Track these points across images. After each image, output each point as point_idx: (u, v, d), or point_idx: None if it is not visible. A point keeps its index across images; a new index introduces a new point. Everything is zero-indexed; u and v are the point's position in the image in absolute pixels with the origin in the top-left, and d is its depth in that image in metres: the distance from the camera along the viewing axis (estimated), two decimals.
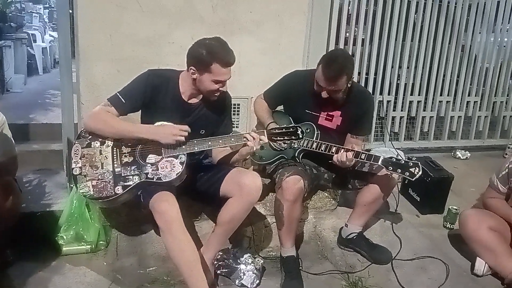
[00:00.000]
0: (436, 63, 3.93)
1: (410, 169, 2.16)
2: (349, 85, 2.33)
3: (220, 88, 2.08)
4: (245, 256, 2.33)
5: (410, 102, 3.97)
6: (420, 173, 2.15)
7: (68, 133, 2.72)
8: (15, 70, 5.49)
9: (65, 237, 2.33)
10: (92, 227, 2.38)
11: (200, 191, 2.28)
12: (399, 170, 2.17)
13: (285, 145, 2.27)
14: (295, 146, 2.43)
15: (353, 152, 2.21)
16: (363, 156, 2.22)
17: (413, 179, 2.17)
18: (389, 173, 2.27)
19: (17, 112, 3.94)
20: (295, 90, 2.50)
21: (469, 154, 4.11)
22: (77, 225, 2.36)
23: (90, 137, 2.13)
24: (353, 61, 2.36)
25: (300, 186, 2.25)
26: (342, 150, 2.24)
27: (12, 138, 2.36)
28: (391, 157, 2.21)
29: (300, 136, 2.07)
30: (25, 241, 2.32)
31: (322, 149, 2.33)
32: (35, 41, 6.88)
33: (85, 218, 2.38)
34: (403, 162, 2.18)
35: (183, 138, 2.02)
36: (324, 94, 2.32)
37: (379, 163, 2.19)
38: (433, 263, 2.53)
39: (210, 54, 1.99)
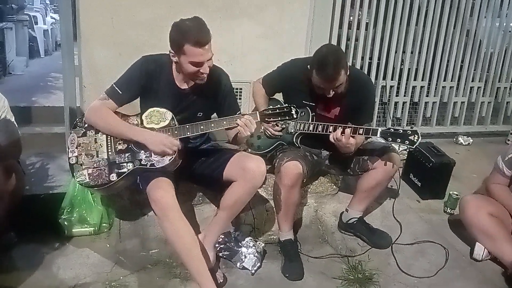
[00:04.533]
0: (440, 48, 3.90)
1: (410, 137, 2.14)
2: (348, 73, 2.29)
3: (201, 71, 1.99)
4: (247, 239, 2.36)
5: (413, 87, 3.95)
6: (420, 140, 2.14)
7: (70, 116, 2.72)
8: (16, 52, 5.46)
9: (68, 219, 2.35)
10: (95, 210, 2.40)
11: (203, 175, 2.28)
12: (399, 140, 2.16)
13: (279, 127, 2.25)
14: (292, 131, 2.42)
15: (350, 128, 2.19)
16: (361, 131, 2.19)
17: (414, 147, 2.17)
18: (389, 144, 2.28)
19: (19, 95, 3.93)
20: (292, 81, 2.46)
21: (471, 140, 4.10)
22: (80, 208, 2.38)
23: (85, 125, 2.14)
24: (342, 51, 2.30)
25: (299, 171, 2.25)
26: (340, 128, 2.21)
27: (14, 121, 2.36)
28: (389, 128, 2.20)
29: (295, 116, 2.04)
30: (28, 223, 2.34)
31: (319, 129, 2.31)
32: (36, 23, 6.83)
33: (88, 200, 2.40)
34: (401, 131, 2.17)
35: (170, 152, 1.99)
36: (328, 93, 2.27)
37: (378, 135, 2.18)
38: (433, 248, 2.55)
39: (181, 35, 1.94)
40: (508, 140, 4.14)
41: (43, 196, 2.52)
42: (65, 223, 2.35)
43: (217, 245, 2.31)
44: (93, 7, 2.68)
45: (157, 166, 2.02)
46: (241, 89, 3.16)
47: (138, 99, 2.19)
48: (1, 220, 2.26)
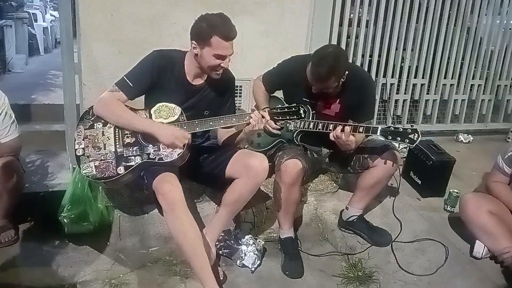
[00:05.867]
0: (440, 45, 3.89)
1: (410, 136, 2.14)
2: (342, 80, 2.28)
3: (222, 65, 2.03)
4: (247, 237, 2.36)
5: (414, 85, 3.94)
6: (419, 138, 2.13)
7: (70, 114, 2.71)
8: (16, 50, 5.45)
9: (68, 217, 2.34)
10: (95, 208, 2.39)
11: (204, 172, 2.29)
12: (399, 138, 2.15)
13: (284, 127, 2.25)
14: (291, 128, 2.42)
15: (350, 126, 2.19)
16: (361, 129, 2.19)
17: (414, 145, 2.17)
18: (389, 142, 2.28)
19: (19, 93, 3.93)
20: (292, 78, 2.45)
21: (471, 138, 4.10)
22: (80, 205, 2.36)
23: (93, 118, 2.13)
24: (346, 58, 2.28)
25: (299, 169, 2.25)
26: (339, 126, 2.21)
27: (14, 119, 2.36)
28: (389, 127, 2.19)
29: (303, 116, 2.05)
30: (28, 221, 2.34)
31: (320, 127, 2.31)
32: (36, 20, 6.81)
33: (88, 198, 2.39)
34: (401, 130, 2.17)
35: (180, 144, 2.00)
36: (314, 90, 2.30)
37: (378, 133, 2.17)
38: (433, 246, 2.54)
39: (210, 27, 1.96)
40: (509, 138, 4.14)
41: (43, 194, 2.52)
42: (65, 220, 2.34)
43: (216, 242, 2.30)
44: (93, 5, 2.68)
45: (165, 161, 2.02)
46: (241, 86, 3.15)
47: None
48: (1, 218, 2.27)
